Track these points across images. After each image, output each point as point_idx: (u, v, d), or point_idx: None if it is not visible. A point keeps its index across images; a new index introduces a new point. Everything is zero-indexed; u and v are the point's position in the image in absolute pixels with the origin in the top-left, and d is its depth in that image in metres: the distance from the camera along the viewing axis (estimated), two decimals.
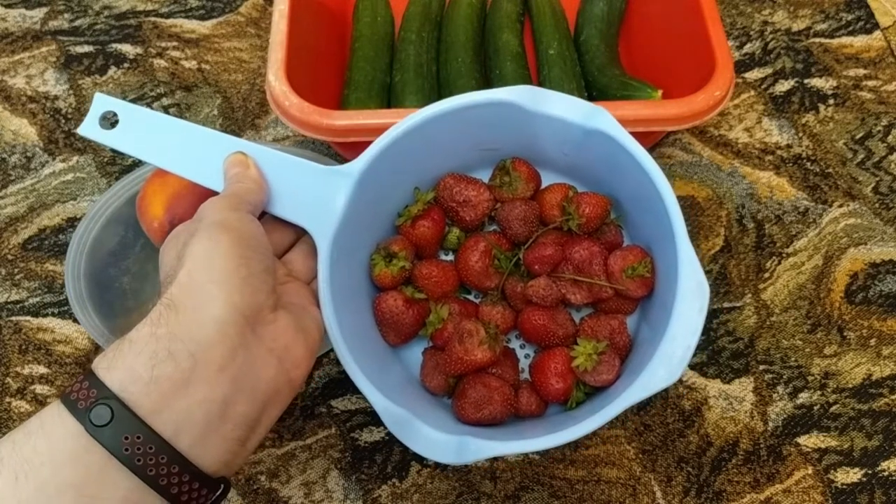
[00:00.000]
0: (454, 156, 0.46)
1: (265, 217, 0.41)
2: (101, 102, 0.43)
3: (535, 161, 0.47)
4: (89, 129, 0.43)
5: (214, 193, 0.41)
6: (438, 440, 0.38)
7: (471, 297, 0.48)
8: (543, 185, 0.48)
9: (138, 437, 0.28)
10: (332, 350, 0.40)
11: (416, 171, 0.46)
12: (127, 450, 0.28)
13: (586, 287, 0.44)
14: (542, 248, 0.44)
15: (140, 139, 0.42)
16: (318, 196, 0.41)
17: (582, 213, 0.44)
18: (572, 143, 0.43)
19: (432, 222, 0.46)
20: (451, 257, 0.49)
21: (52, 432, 0.28)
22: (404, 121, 0.42)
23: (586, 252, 0.44)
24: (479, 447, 0.38)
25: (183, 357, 0.30)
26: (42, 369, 0.54)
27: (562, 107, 0.42)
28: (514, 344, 0.47)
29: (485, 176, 0.48)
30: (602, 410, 0.37)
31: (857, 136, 0.64)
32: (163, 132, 0.42)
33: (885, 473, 0.51)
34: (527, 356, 0.47)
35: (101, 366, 0.30)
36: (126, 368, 0.29)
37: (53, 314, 0.56)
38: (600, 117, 0.41)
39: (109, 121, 0.43)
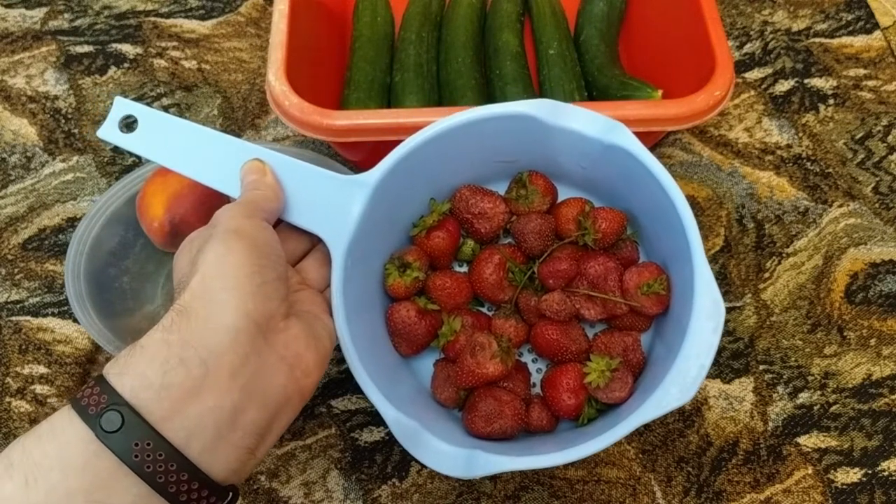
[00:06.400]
0: (471, 167, 0.46)
1: (280, 224, 0.41)
2: (121, 106, 0.42)
3: (552, 174, 0.47)
4: (108, 132, 0.42)
5: (217, 193, 0.41)
6: (448, 453, 0.38)
7: (484, 310, 0.47)
8: (560, 199, 0.47)
9: (148, 444, 0.28)
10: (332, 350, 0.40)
11: (432, 182, 0.45)
12: (137, 456, 0.28)
13: (601, 303, 0.44)
14: (556, 263, 0.44)
15: (159, 144, 0.42)
16: (333, 205, 0.40)
17: (598, 228, 0.44)
18: (590, 157, 0.43)
19: (447, 233, 0.45)
20: (465, 269, 0.48)
21: (62, 437, 0.28)
22: (422, 132, 0.41)
23: (601, 267, 0.44)
24: (488, 461, 0.37)
25: (194, 364, 0.29)
26: (42, 369, 0.54)
27: (580, 121, 0.41)
28: (527, 358, 0.47)
29: (501, 188, 0.48)
30: (613, 428, 0.37)
31: (857, 136, 0.64)
32: (181, 137, 0.42)
33: (885, 473, 0.51)
34: (539, 371, 0.46)
35: (112, 371, 0.30)
36: (137, 375, 0.29)
37: (53, 314, 0.56)
38: (619, 132, 0.41)
39: (128, 124, 0.42)
